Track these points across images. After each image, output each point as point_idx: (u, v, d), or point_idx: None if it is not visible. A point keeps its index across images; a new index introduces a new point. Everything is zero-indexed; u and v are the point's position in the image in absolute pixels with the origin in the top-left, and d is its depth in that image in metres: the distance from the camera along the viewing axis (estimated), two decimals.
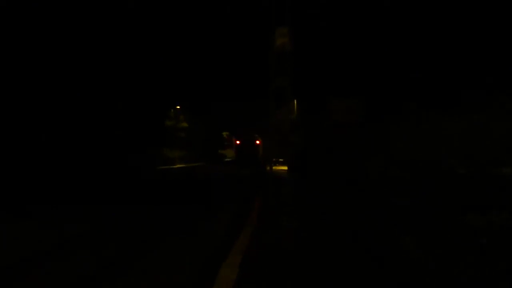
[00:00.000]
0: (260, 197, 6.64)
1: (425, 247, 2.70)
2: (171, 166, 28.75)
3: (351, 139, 7.32)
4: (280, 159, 29.35)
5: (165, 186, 11.72)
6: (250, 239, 3.79)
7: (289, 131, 6.52)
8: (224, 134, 63.83)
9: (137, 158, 24.09)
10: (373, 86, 8.08)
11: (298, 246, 3.50)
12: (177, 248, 3.83)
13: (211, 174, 19.89)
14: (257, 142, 35.75)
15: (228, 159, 62.53)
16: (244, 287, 2.75)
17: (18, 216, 5.47)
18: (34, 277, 3.03)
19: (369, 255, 3.18)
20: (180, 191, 9.71)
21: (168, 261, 3.43)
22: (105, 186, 10.39)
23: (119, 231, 4.66)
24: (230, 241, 3.96)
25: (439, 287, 2.23)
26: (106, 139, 16.87)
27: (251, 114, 53.59)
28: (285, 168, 20.77)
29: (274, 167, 24.51)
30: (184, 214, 6.16)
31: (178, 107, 34.61)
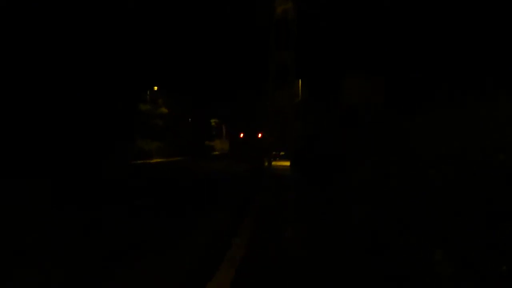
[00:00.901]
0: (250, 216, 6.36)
1: (459, 265, 2.50)
2: (147, 161, 28.84)
3: (369, 130, 7.22)
4: (282, 153, 29.43)
5: (135, 187, 11.39)
6: None
7: (293, 118, 6.42)
8: (212, 121, 63.68)
9: (100, 151, 23.64)
10: (396, 63, 7.86)
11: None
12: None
13: (196, 172, 19.92)
14: (259, 134, 36.39)
15: (217, 153, 63.49)
16: None
17: None
18: None
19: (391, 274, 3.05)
20: (153, 195, 9.35)
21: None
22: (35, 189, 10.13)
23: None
24: None
25: None
26: (50, 127, 16.26)
27: (245, 99, 54.67)
28: (287, 163, 20.86)
29: (274, 163, 24.76)
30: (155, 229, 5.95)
31: (155, 88, 34.26)
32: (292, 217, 5.89)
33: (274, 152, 24.68)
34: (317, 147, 9.99)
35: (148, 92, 33.87)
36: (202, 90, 47.79)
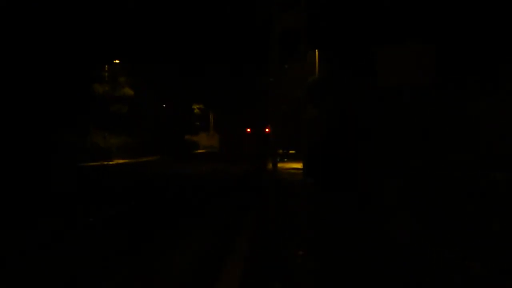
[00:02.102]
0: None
1: None
2: (105, 162, 29.13)
3: (413, 117, 7.11)
4: (291, 151, 29.47)
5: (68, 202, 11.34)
6: None
7: (305, 101, 6.32)
8: (196, 108, 63.73)
9: (34, 150, 22.22)
10: (452, 26, 7.74)
11: None
12: None
13: (170, 179, 19.96)
14: (267, 130, 36.98)
15: (203, 150, 63.63)
16: None
17: None
18: None
19: None
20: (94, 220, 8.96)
21: None
22: None
23: None
24: None
25: None
26: None
27: (242, 78, 54.95)
28: (298, 166, 21.31)
29: (280, 164, 24.88)
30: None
31: (117, 61, 33.94)
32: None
33: (280, 151, 24.76)
34: (342, 143, 9.92)
35: (106, 67, 33.51)
36: (182, 64, 47.83)
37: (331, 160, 10.96)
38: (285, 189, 12.29)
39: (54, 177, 18.93)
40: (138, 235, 7.60)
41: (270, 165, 21.35)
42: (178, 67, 44.82)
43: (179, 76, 45.65)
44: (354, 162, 8.89)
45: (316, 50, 10.23)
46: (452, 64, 7.71)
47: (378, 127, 8.08)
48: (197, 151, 57.31)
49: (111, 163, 29.47)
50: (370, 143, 8.23)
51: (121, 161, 31.38)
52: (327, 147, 11.41)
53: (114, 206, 10.68)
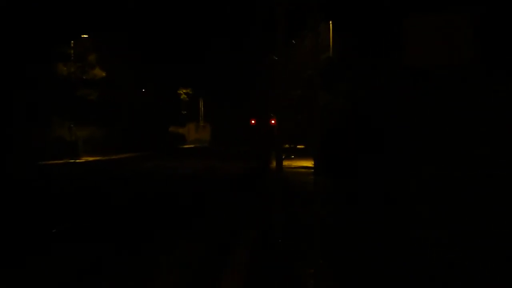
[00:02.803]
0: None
1: None
2: (71, 160, 29.42)
3: (450, 106, 7.10)
4: (299, 145, 29.51)
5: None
6: None
7: (318, 85, 6.30)
8: (182, 93, 63.66)
9: None
10: None
11: None
12: None
13: (151, 181, 20.10)
14: (272, 121, 37.27)
15: (191, 145, 63.75)
16: None
17: None
18: None
19: None
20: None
21: None
22: None
23: None
24: None
25: None
26: None
27: (239, 57, 54.98)
28: (308, 164, 21.66)
29: (286, 162, 24.91)
30: None
31: (85, 36, 33.98)
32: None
33: (286, 146, 24.78)
34: (361, 137, 9.93)
35: (72, 43, 33.58)
36: (165, 39, 47.71)
37: (347, 157, 10.98)
38: (293, 193, 12.32)
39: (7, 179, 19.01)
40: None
41: (274, 163, 21.35)
42: (161, 44, 44.74)
43: (162, 54, 45.59)
44: (375, 162, 8.89)
45: (330, 22, 10.25)
46: (499, 39, 7.69)
47: (404, 118, 8.07)
48: (184, 146, 57.34)
49: (78, 161, 29.50)
50: (395, 136, 8.23)
51: (91, 158, 31.40)
52: (343, 141, 11.43)
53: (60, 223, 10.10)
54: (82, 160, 30.17)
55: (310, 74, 7.13)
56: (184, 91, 59.42)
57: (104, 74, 34.85)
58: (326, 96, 11.58)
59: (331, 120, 12.05)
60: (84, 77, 34.01)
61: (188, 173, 21.84)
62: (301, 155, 27.66)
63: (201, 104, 69.35)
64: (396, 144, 8.04)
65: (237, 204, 12.73)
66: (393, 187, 7.98)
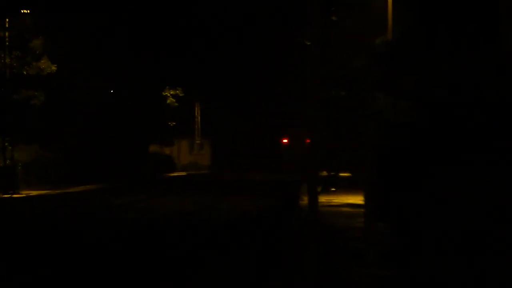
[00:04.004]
0: None
1: None
2: (6, 195, 29.46)
3: None
4: (342, 173, 29.38)
5: None
6: None
7: (372, 81, 6.24)
8: (169, 95, 63.21)
9: None
10: None
11: None
12: None
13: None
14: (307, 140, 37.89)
15: (182, 173, 63.25)
16: None
17: None
18: None
19: None
20: None
21: None
22: None
23: None
24: None
25: None
26: None
27: (252, 46, 54.75)
28: (356, 200, 21.86)
29: (324, 198, 24.64)
30: None
31: (26, 11, 34.20)
32: None
33: (324, 173, 24.59)
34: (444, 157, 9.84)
35: (6, 22, 33.67)
36: (144, 20, 47.83)
37: (417, 192, 10.86)
38: (333, 246, 12.23)
39: None
40: None
41: (305, 199, 21.13)
42: (139, 27, 45.08)
43: (140, 42, 45.89)
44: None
45: None
46: None
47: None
48: (172, 174, 57.34)
49: (16, 195, 29.55)
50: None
51: (34, 192, 31.47)
52: (411, 167, 11.32)
53: None
54: (22, 194, 30.20)
55: (359, 66, 7.10)
56: (172, 92, 59.46)
57: (54, 68, 34.89)
58: (384, 98, 11.56)
59: (392, 134, 11.98)
60: (24, 72, 34.08)
61: (170, 217, 21.48)
62: (346, 187, 27.34)
63: (197, 111, 69.51)
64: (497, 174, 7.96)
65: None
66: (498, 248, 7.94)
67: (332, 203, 21.60)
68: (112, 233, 17.77)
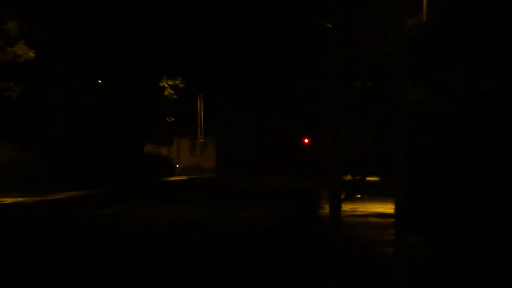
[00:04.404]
0: None
1: None
2: None
3: None
4: (369, 177, 29.40)
5: None
6: None
7: (404, 70, 6.25)
8: (167, 86, 63.02)
9: None
10: None
11: None
12: None
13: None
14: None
15: (183, 178, 63.13)
16: None
17: None
18: None
19: None
20: None
21: None
22: None
23: None
24: None
25: None
26: None
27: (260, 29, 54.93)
28: (385, 209, 21.83)
29: (348, 206, 24.52)
30: None
31: None
32: None
33: (348, 177, 24.59)
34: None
35: None
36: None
37: (458, 200, 10.86)
38: (358, 263, 12.27)
39: None
40: None
41: (326, 208, 21.14)
42: (133, 6, 45.19)
43: (133, 23, 45.97)
44: None
45: None
46: None
47: None
48: (170, 178, 57.37)
49: None
50: None
51: (9, 199, 31.55)
52: (450, 170, 11.32)
53: None
54: None
55: (389, 53, 7.11)
56: (170, 83, 59.56)
57: (32, 54, 35.00)
58: (418, 91, 11.61)
59: (427, 132, 12.00)
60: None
61: (163, 233, 21.17)
62: (374, 193, 27.24)
63: (200, 105, 69.43)
64: None
65: None
66: None
67: (358, 212, 21.63)
68: (81, 256, 17.07)
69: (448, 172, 11.31)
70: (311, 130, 62.69)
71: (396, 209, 6.69)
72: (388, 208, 20.25)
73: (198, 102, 69.16)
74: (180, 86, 57.44)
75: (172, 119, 58.26)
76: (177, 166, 66.21)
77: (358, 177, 25.94)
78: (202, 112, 69.82)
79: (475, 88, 11.94)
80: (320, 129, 52.11)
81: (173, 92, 57.33)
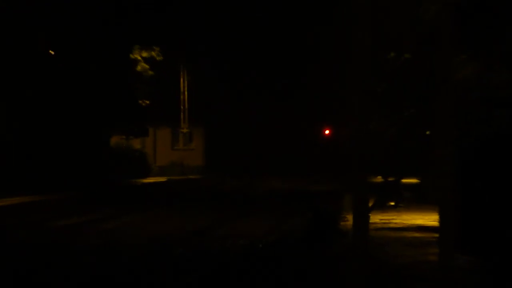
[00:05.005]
0: None
1: None
2: None
3: None
4: (406, 179, 29.61)
5: None
6: None
7: (450, 38, 6.32)
8: (141, 58, 62.80)
9: None
10: None
11: None
12: None
13: None
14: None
15: (161, 179, 63.20)
16: None
17: None
18: None
19: None
20: None
21: None
22: None
23: None
24: None
25: None
26: None
27: None
28: (427, 220, 22.32)
29: (378, 217, 24.64)
30: None
31: None
32: None
33: (379, 178, 24.60)
34: None
35: None
36: None
37: None
38: None
39: None
40: None
41: (349, 219, 21.23)
42: None
43: None
44: None
45: None
46: None
47: None
48: (145, 180, 57.54)
49: None
50: None
51: None
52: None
53: None
54: None
55: (430, 19, 7.20)
56: (144, 55, 59.66)
57: None
58: (470, 66, 11.70)
59: (484, 119, 12.08)
60: None
61: (132, 253, 21.28)
62: (412, 199, 27.33)
63: (183, 84, 69.36)
64: None
65: None
66: None
67: (391, 225, 21.78)
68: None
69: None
70: (333, 119, 61.83)
71: (441, 221, 6.76)
72: (430, 219, 20.34)
73: (181, 80, 69.04)
74: (158, 59, 57.54)
75: (147, 102, 58.25)
76: (154, 164, 66.13)
77: (391, 179, 26.03)
78: (186, 93, 69.72)
79: None
80: (344, 116, 52.44)
81: (148, 67, 57.38)
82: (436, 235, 9.33)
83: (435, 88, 6.33)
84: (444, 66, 6.18)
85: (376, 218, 22.33)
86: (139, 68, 56.52)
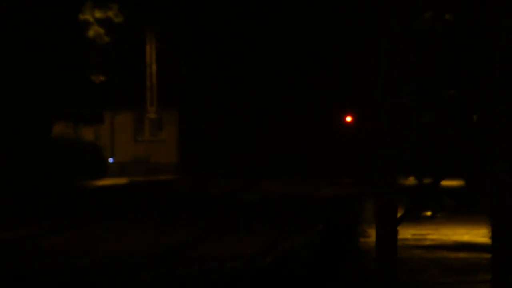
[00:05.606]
0: None
1: None
2: None
3: None
4: (446, 181, 29.79)
5: None
6: None
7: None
8: (94, 21, 63.23)
9: None
10: None
11: None
12: None
13: None
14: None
15: (122, 180, 63.62)
16: None
17: None
18: None
19: None
20: None
21: None
22: None
23: None
24: None
25: None
26: None
27: None
28: (475, 236, 22.49)
29: (410, 232, 24.75)
30: None
31: None
32: None
33: (411, 179, 24.64)
34: None
35: None
36: None
37: None
38: None
39: None
40: None
41: (371, 234, 21.39)
42: None
43: None
44: None
45: None
46: None
47: None
48: (100, 182, 57.77)
49: None
50: None
51: None
52: None
53: None
54: None
55: None
56: (98, 15, 59.89)
57: None
58: None
59: None
60: None
61: (96, 273, 21.51)
62: (454, 207, 27.41)
63: (150, 54, 69.47)
64: None
65: None
66: None
67: (427, 242, 21.79)
68: None
69: None
70: (356, 103, 61.27)
71: (494, 238, 6.74)
72: (479, 234, 20.37)
73: (148, 48, 68.99)
74: (116, 20, 57.54)
75: (102, 78, 58.17)
76: (111, 160, 66.07)
77: (428, 181, 26.12)
78: (154, 66, 69.70)
79: None
80: (370, 100, 52.75)
81: (103, 31, 57.39)
82: (488, 255, 9.31)
83: (491, 59, 6.33)
84: (495, 38, 6.20)
85: (407, 233, 22.39)
86: (91, 33, 56.49)
